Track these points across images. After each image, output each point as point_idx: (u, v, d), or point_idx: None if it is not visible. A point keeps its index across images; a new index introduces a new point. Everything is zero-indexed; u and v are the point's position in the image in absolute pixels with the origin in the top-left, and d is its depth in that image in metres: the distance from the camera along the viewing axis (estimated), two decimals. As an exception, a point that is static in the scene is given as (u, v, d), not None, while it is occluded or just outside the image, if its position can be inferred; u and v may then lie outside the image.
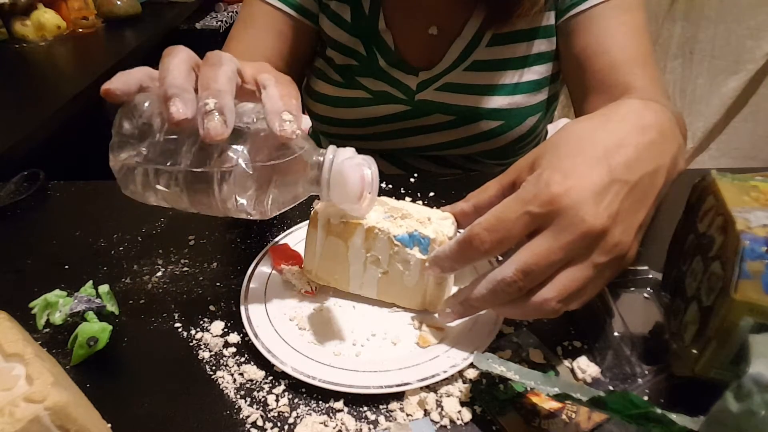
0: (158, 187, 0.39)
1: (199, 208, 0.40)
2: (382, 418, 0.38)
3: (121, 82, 0.39)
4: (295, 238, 0.54)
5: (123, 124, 0.39)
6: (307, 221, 0.46)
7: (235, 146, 0.38)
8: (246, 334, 0.43)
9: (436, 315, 0.45)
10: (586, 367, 0.40)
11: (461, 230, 0.40)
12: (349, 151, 0.40)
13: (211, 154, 0.38)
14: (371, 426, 0.37)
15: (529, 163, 0.39)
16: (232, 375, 0.41)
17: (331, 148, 0.40)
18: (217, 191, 0.38)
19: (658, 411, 0.30)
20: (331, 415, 0.38)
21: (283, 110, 0.37)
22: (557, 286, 0.36)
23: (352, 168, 0.39)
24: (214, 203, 0.39)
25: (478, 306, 0.39)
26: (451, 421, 0.38)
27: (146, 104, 0.40)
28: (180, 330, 0.46)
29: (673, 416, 0.30)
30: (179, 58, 0.38)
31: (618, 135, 0.37)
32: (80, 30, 1.58)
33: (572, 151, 0.37)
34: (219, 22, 2.07)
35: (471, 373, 0.40)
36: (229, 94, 0.37)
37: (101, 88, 0.38)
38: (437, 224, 0.44)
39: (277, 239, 0.54)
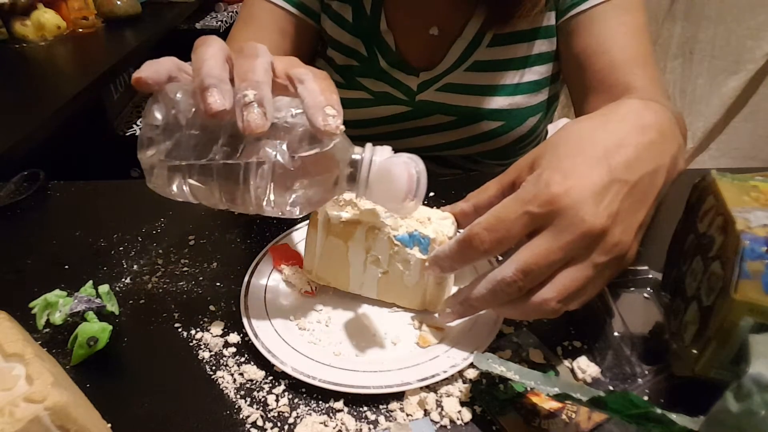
0: (190, 181, 0.38)
1: (230, 204, 0.39)
2: (382, 418, 0.38)
3: (152, 70, 0.38)
4: (295, 238, 0.54)
5: (154, 115, 0.38)
6: (307, 221, 0.46)
7: (272, 140, 0.36)
8: (246, 334, 0.43)
9: (436, 315, 0.45)
10: (586, 367, 0.40)
11: (461, 230, 0.40)
12: (388, 150, 0.39)
13: (247, 149, 0.37)
14: (371, 426, 0.37)
15: (529, 163, 0.39)
16: (232, 375, 0.41)
17: (369, 145, 0.39)
18: (252, 187, 0.37)
19: (658, 411, 0.30)
20: (331, 415, 0.38)
21: (326, 105, 0.36)
22: (557, 286, 0.36)
23: (399, 166, 0.38)
24: (248, 199, 0.38)
25: (477, 306, 0.39)
26: (451, 421, 0.38)
27: (178, 95, 0.38)
28: (180, 330, 0.46)
29: (673, 416, 0.30)
30: (215, 48, 0.37)
31: (618, 135, 0.37)
32: (80, 30, 1.58)
33: (572, 151, 0.37)
34: (219, 22, 2.07)
35: (471, 373, 0.40)
36: (268, 86, 0.36)
37: (132, 77, 0.37)
38: (437, 224, 0.44)
39: (277, 239, 0.54)
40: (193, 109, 0.38)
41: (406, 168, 0.38)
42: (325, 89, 0.38)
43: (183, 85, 0.39)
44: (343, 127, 0.37)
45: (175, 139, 0.37)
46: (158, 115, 0.38)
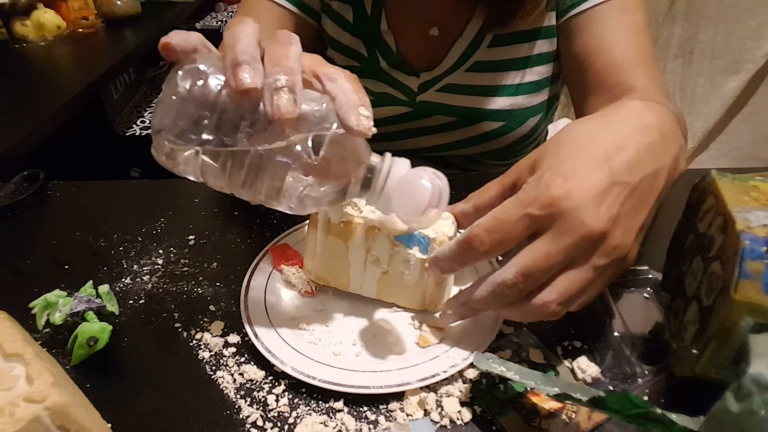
0: (203, 158, 0.37)
1: (238, 189, 0.38)
2: (382, 418, 0.38)
3: (181, 38, 0.37)
4: (295, 238, 0.54)
5: (178, 83, 0.36)
6: (307, 221, 0.46)
7: (295, 131, 0.36)
8: (246, 334, 0.43)
9: (437, 315, 0.45)
10: (586, 367, 0.40)
11: (461, 230, 0.40)
12: (407, 162, 0.39)
13: (268, 135, 0.35)
14: (371, 426, 0.37)
15: (529, 165, 0.39)
16: (232, 375, 0.41)
17: (388, 155, 0.39)
18: (268, 174, 0.36)
19: (658, 411, 0.30)
20: (331, 415, 0.38)
21: (360, 105, 0.36)
22: (557, 289, 0.36)
23: (424, 179, 0.38)
24: (259, 187, 0.37)
25: (478, 308, 0.39)
26: (451, 421, 0.38)
27: (205, 68, 0.36)
28: (180, 330, 0.46)
29: (673, 416, 0.30)
30: (250, 27, 0.37)
31: (619, 136, 0.37)
32: (80, 30, 1.59)
33: (573, 152, 0.37)
34: (219, 22, 2.07)
35: (471, 373, 0.41)
36: (299, 75, 0.36)
37: (160, 42, 0.36)
38: (437, 224, 0.44)
39: (277, 239, 0.54)
40: (219, 85, 0.36)
41: (431, 181, 0.38)
42: (358, 89, 0.37)
43: (210, 58, 0.37)
44: (375, 129, 0.36)
45: (197, 112, 0.36)
46: (183, 85, 0.36)
